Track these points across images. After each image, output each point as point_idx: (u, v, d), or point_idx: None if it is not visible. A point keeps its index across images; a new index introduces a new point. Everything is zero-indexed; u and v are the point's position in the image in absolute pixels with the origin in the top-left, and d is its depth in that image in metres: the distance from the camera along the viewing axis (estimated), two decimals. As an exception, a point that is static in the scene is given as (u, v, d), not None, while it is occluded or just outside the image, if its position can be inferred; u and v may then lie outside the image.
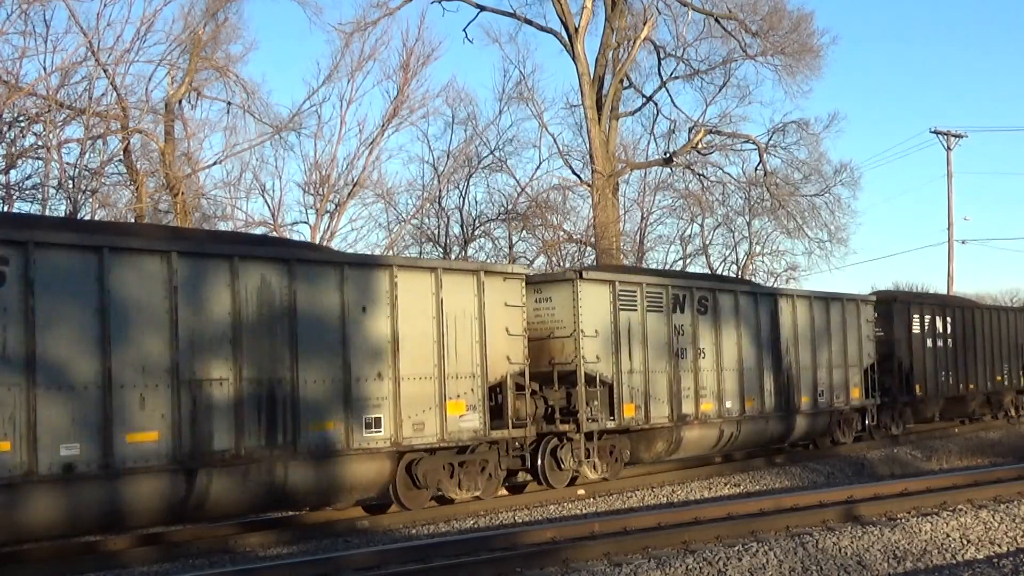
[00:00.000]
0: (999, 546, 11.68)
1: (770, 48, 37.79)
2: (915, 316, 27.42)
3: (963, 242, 61.33)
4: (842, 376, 23.90)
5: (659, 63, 38.59)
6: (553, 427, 17.10)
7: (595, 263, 33.77)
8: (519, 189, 35.32)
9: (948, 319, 28.86)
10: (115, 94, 25.38)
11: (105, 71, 25.03)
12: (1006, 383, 32.39)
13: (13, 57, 24.04)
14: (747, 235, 41.85)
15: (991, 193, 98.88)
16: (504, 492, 17.09)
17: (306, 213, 29.60)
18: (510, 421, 16.17)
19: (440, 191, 33.10)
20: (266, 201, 29.43)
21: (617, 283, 18.06)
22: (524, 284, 16.67)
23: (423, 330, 14.94)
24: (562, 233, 35.89)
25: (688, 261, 40.98)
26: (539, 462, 17.08)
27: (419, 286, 14.96)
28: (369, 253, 27.75)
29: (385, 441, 14.33)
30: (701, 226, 41.38)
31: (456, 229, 33.47)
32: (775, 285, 36.51)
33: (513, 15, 37.74)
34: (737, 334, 20.69)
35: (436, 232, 33.10)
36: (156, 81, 26.87)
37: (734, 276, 37.24)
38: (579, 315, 17.26)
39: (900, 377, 26.59)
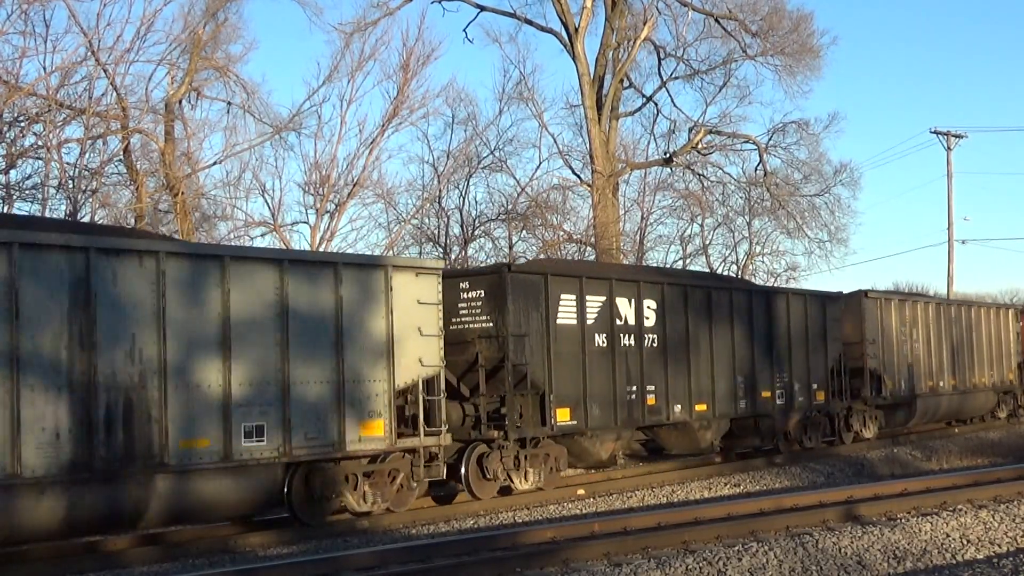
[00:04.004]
0: (999, 546, 11.67)
1: (770, 48, 37.79)
2: (566, 297, 17.14)
3: (963, 242, 61.31)
4: (329, 393, 13.71)
5: (659, 63, 38.61)
6: None
7: (595, 264, 33.76)
8: (519, 189, 35.29)
9: (651, 304, 18.73)
10: (115, 94, 25.43)
11: (105, 71, 25.05)
12: (780, 402, 21.86)
13: (13, 57, 24.08)
14: (747, 235, 41.81)
15: (991, 193, 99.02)
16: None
17: (306, 213, 29.61)
18: None
19: (440, 191, 33.08)
20: (266, 201, 29.41)
21: None
22: None
23: None
24: (562, 233, 35.86)
25: (688, 261, 40.98)
26: None
27: None
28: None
29: None
30: (701, 226, 41.33)
31: (456, 229, 33.44)
32: (773, 284, 36.19)
33: (513, 15, 37.76)
34: (7, 326, 11.28)
35: (436, 232, 33.08)
36: (156, 81, 26.93)
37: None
38: None
39: (530, 399, 16.64)
